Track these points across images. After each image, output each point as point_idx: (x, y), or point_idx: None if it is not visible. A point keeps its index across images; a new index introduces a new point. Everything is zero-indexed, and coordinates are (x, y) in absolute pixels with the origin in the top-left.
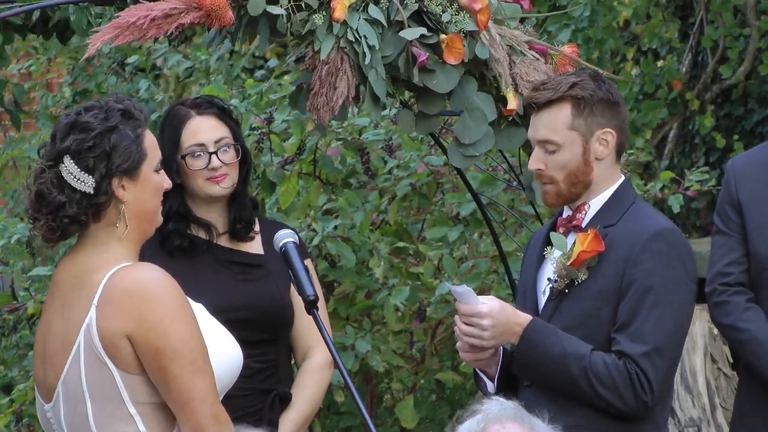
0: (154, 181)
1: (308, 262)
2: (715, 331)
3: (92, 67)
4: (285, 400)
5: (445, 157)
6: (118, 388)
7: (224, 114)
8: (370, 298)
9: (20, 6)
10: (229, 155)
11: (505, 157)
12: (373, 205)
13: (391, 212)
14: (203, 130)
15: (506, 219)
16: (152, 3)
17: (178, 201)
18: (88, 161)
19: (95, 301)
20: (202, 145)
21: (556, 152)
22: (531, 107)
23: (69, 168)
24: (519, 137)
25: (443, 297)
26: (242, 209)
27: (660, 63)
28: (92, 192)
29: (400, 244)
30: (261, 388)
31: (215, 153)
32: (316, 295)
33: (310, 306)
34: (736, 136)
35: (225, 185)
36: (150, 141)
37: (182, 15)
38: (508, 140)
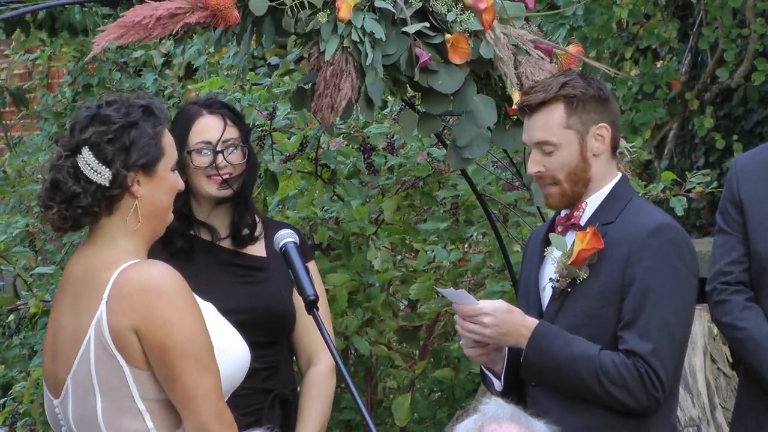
0: (169, 179)
1: (312, 264)
2: (715, 330)
3: (93, 66)
4: (285, 402)
5: (446, 150)
6: (127, 383)
7: (235, 116)
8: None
9: (25, 6)
10: (235, 156)
11: (509, 157)
12: (374, 202)
13: (388, 208)
14: (212, 128)
15: (507, 219)
16: (157, 2)
17: (181, 201)
18: (106, 153)
19: (105, 296)
20: (209, 143)
21: (554, 153)
22: (523, 111)
23: (87, 159)
24: None
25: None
26: (245, 214)
27: (659, 63)
28: (107, 184)
29: (398, 236)
30: (261, 388)
31: (221, 152)
32: (316, 295)
33: (311, 306)
34: (735, 137)
35: (226, 186)
36: (169, 140)
37: (188, 14)
38: (513, 140)
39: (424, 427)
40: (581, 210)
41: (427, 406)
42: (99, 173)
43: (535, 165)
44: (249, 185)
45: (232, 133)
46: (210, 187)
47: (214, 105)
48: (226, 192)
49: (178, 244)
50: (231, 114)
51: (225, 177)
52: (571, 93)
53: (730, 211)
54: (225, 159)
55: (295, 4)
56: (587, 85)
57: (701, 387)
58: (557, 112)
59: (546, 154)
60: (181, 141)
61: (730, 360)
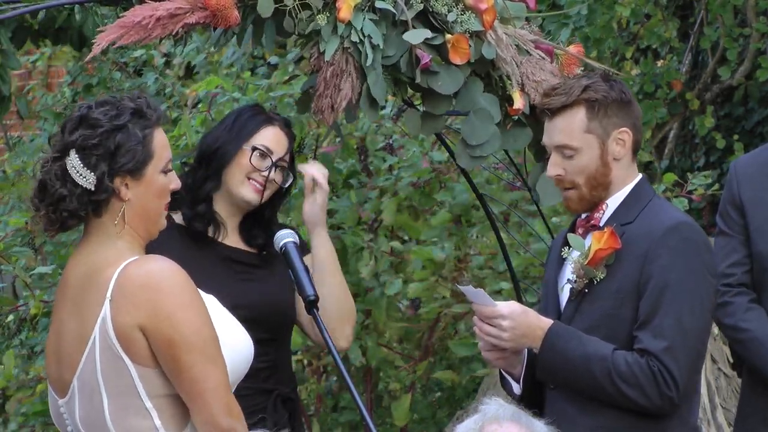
0: (159, 182)
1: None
2: (715, 330)
3: (93, 66)
4: (287, 401)
5: (447, 153)
6: (133, 382)
7: (293, 142)
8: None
9: (24, 6)
10: (279, 177)
11: (510, 158)
12: (373, 204)
13: (387, 211)
14: (279, 141)
15: (508, 220)
16: (157, 3)
17: (212, 185)
18: (91, 158)
19: (108, 295)
20: (272, 152)
21: (574, 157)
22: (544, 113)
23: (73, 162)
24: (524, 137)
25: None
26: (255, 226)
27: (660, 63)
28: (93, 188)
29: (396, 243)
30: (262, 388)
31: (276, 167)
32: (316, 295)
33: (310, 306)
34: (736, 136)
35: (257, 195)
36: (160, 141)
37: (187, 15)
38: (514, 140)
39: (425, 427)
40: (601, 211)
41: (427, 406)
42: (85, 177)
43: (555, 168)
44: (270, 206)
45: (287, 157)
46: (245, 189)
47: (285, 123)
48: (255, 201)
49: (198, 227)
50: (292, 136)
51: (261, 187)
52: (593, 97)
53: (730, 213)
54: (273, 175)
55: (297, 5)
56: (609, 88)
57: (701, 387)
58: (578, 116)
59: (566, 157)
60: (247, 133)
61: (731, 360)
